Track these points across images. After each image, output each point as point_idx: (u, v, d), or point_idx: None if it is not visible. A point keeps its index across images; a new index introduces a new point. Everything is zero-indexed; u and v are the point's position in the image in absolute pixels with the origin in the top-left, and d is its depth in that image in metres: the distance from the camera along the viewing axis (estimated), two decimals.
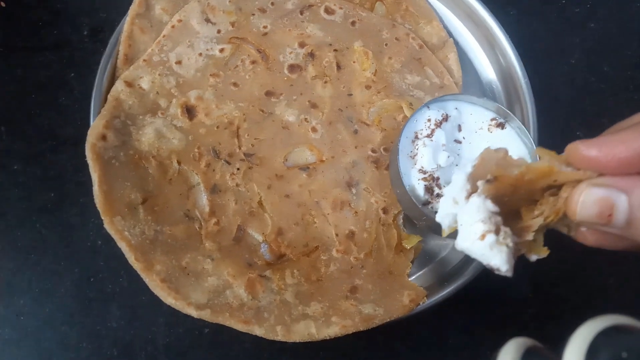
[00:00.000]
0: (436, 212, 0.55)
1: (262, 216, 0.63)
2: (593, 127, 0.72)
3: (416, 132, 0.60)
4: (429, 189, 0.58)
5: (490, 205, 0.38)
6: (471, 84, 0.74)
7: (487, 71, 0.74)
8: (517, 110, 0.69)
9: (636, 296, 0.67)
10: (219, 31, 0.69)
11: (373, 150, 0.67)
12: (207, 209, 0.62)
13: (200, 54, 0.68)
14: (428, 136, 0.60)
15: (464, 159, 0.60)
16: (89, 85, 0.65)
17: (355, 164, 0.66)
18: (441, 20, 0.75)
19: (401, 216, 0.65)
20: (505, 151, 0.39)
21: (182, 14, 0.69)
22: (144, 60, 0.66)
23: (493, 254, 0.37)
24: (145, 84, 0.65)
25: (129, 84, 0.65)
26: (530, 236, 0.39)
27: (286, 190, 0.64)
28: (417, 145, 0.60)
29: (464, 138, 0.61)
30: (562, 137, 0.70)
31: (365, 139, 0.67)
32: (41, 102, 0.70)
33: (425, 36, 0.74)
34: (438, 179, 0.58)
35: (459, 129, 0.62)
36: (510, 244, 0.37)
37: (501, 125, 0.62)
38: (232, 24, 0.70)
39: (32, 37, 0.73)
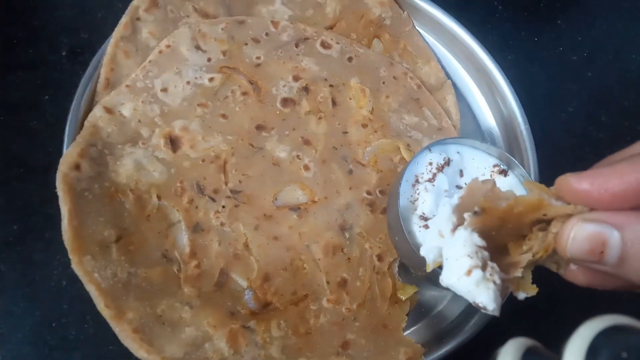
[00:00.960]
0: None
1: (247, 259, 0.58)
2: None
3: (417, 176, 0.57)
4: None
5: (477, 240, 0.36)
6: (469, 127, 0.71)
7: (486, 115, 0.72)
8: (517, 157, 0.67)
9: (636, 296, 0.65)
10: (209, 59, 0.65)
11: (368, 192, 0.63)
12: (187, 250, 0.57)
13: (188, 82, 0.64)
14: (429, 180, 0.56)
15: None
16: (64, 110, 0.60)
17: (349, 207, 0.62)
18: (439, 61, 0.73)
19: (396, 264, 0.60)
20: (493, 183, 0.37)
21: (171, 39, 0.65)
22: (127, 85, 0.62)
23: (479, 291, 0.36)
24: (126, 111, 0.61)
25: (109, 110, 0.60)
26: (518, 273, 0.37)
27: (275, 232, 0.59)
28: (418, 189, 0.56)
29: (465, 184, 0.58)
30: None
31: (360, 180, 0.63)
32: (10, 124, 0.64)
33: (423, 76, 0.72)
34: None
35: (461, 174, 0.58)
36: (498, 281, 0.36)
37: (504, 173, 0.59)
38: (224, 53, 0.66)
39: (5, 54, 0.68)
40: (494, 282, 0.36)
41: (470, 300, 0.37)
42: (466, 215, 0.37)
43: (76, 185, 0.55)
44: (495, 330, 0.60)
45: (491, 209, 0.36)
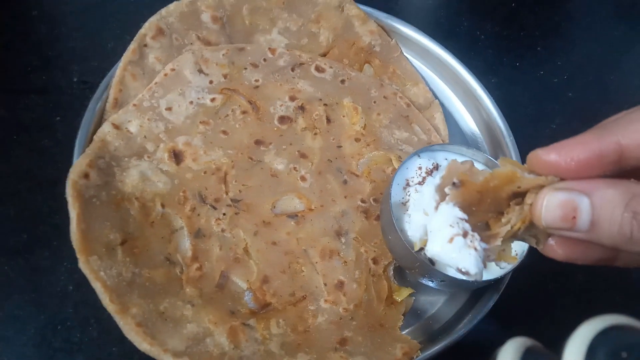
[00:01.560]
0: (430, 259, 0.55)
1: (247, 263, 0.60)
2: None
3: (407, 180, 0.60)
4: None
5: (458, 212, 0.39)
6: (457, 142, 0.75)
7: (473, 129, 0.76)
8: None
9: (636, 296, 0.66)
10: (211, 82, 0.70)
11: (362, 201, 0.65)
12: (189, 254, 0.59)
13: (191, 102, 0.68)
14: (419, 183, 0.59)
15: None
16: (74, 129, 0.64)
17: (344, 214, 0.64)
18: (427, 83, 0.77)
19: (391, 267, 0.62)
20: (471, 162, 0.40)
21: (176, 64, 0.69)
22: (134, 104, 0.66)
23: (462, 256, 0.38)
24: (133, 127, 0.65)
25: (117, 127, 0.64)
26: (498, 242, 0.39)
27: (273, 238, 0.62)
28: (408, 191, 0.59)
29: None
30: None
31: (354, 190, 0.66)
32: (23, 142, 0.68)
33: (412, 97, 0.76)
34: None
35: None
36: (479, 248, 0.38)
37: None
38: (225, 76, 0.71)
39: (20, 80, 0.72)
40: (475, 249, 0.38)
41: (454, 266, 0.39)
42: (447, 189, 0.39)
43: (84, 192, 0.57)
44: (495, 330, 0.62)
45: (469, 182, 0.38)
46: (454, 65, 0.76)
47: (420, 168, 0.60)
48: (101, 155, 0.61)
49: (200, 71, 0.70)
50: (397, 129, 0.72)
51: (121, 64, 0.68)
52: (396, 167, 0.68)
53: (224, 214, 0.62)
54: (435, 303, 0.64)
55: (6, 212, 0.64)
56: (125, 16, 0.80)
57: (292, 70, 0.73)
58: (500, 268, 0.41)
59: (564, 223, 0.36)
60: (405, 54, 0.78)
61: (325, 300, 0.59)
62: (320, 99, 0.72)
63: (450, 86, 0.78)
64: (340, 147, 0.69)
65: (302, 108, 0.70)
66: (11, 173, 0.66)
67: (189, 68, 0.70)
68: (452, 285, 0.60)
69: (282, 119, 0.70)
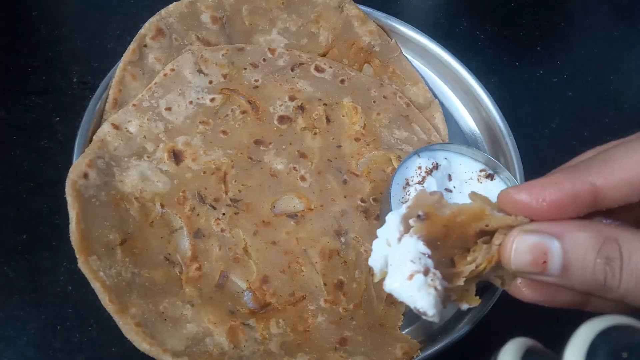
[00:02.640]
0: None
1: (246, 263, 0.60)
2: None
3: (407, 179, 0.60)
4: None
5: (422, 246, 0.36)
6: (456, 141, 0.75)
7: (472, 129, 0.76)
8: (502, 162, 0.70)
9: None
10: (210, 82, 0.70)
11: (362, 200, 0.65)
12: (189, 254, 0.59)
13: (191, 102, 0.68)
14: (419, 183, 0.59)
15: None
16: (74, 130, 0.64)
17: (344, 213, 0.64)
18: (427, 83, 0.77)
19: None
20: (440, 194, 0.38)
21: (175, 64, 0.69)
22: (134, 105, 0.66)
23: (420, 296, 0.36)
24: (132, 127, 0.65)
25: (116, 127, 0.64)
26: (460, 282, 0.37)
27: (273, 237, 0.62)
28: (408, 191, 0.59)
29: (454, 187, 0.61)
30: None
31: (354, 189, 0.66)
32: (22, 143, 0.68)
33: (412, 97, 0.76)
34: None
35: (449, 178, 0.62)
36: (439, 287, 0.36)
37: (490, 177, 0.62)
38: (224, 76, 0.71)
39: (20, 81, 0.72)
40: (435, 288, 0.36)
41: (411, 306, 0.37)
42: (411, 221, 0.37)
43: (84, 192, 0.58)
44: (495, 331, 0.61)
45: (435, 216, 0.37)
46: (453, 65, 0.76)
47: (420, 167, 0.60)
48: (101, 155, 0.61)
49: (200, 71, 0.70)
50: (396, 128, 0.72)
51: (121, 64, 0.68)
52: (396, 166, 0.68)
53: (224, 214, 0.62)
54: None
55: (6, 212, 0.64)
56: (125, 17, 0.80)
57: (292, 70, 0.73)
58: (462, 309, 0.40)
59: (534, 267, 0.35)
60: (405, 54, 0.78)
61: (325, 300, 0.59)
62: (320, 99, 0.72)
63: (450, 86, 0.78)
64: (340, 146, 0.69)
65: (301, 108, 0.71)
66: (11, 174, 0.66)
67: (189, 68, 0.70)
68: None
69: (282, 119, 0.70)
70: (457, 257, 0.38)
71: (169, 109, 0.67)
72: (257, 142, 0.67)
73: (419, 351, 0.56)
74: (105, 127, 0.63)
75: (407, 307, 0.61)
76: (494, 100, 0.73)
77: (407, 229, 0.37)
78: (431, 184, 0.59)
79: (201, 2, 0.73)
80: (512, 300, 0.64)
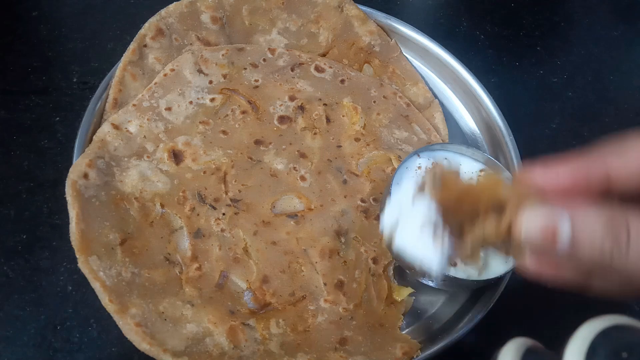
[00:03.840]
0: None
1: (246, 263, 0.60)
2: None
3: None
4: None
5: (433, 211, 0.39)
6: (456, 141, 0.75)
7: (473, 129, 0.76)
8: (502, 162, 0.70)
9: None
10: (210, 82, 0.70)
11: (362, 200, 0.65)
12: (189, 254, 0.59)
13: (191, 102, 0.68)
14: None
15: None
16: (74, 130, 0.64)
17: (344, 213, 0.64)
18: (427, 83, 0.77)
19: (391, 267, 0.62)
20: (458, 171, 0.40)
21: (175, 64, 0.69)
22: (134, 105, 0.66)
23: (427, 253, 0.39)
24: (132, 127, 0.65)
25: (116, 127, 0.64)
26: (467, 248, 0.39)
27: (273, 237, 0.62)
28: None
29: None
30: None
31: (354, 189, 0.66)
32: (22, 143, 0.68)
33: (412, 97, 0.76)
34: None
35: None
36: (446, 250, 0.38)
37: None
38: (224, 76, 0.71)
39: (20, 81, 0.72)
40: (442, 250, 0.38)
41: (417, 265, 0.40)
42: (427, 188, 0.39)
43: (84, 191, 0.58)
44: (495, 330, 0.62)
45: (450, 185, 0.39)
46: (453, 65, 0.76)
47: (419, 167, 0.60)
48: (101, 155, 0.61)
49: (200, 71, 0.70)
50: (397, 128, 0.72)
51: (121, 64, 0.68)
52: (396, 166, 0.68)
53: (224, 214, 0.62)
54: (435, 303, 0.64)
55: (6, 212, 0.64)
56: (125, 17, 0.80)
57: (292, 70, 0.73)
58: (466, 275, 0.41)
59: (544, 241, 0.36)
60: (405, 53, 0.78)
61: (325, 300, 0.59)
62: (320, 99, 0.72)
63: (450, 86, 0.78)
64: (340, 146, 0.69)
65: (301, 108, 0.70)
66: (11, 174, 0.66)
67: (189, 68, 0.70)
68: (452, 284, 0.60)
69: (282, 119, 0.70)
70: (467, 224, 0.39)
71: (169, 109, 0.67)
72: (257, 142, 0.67)
73: (419, 351, 0.56)
74: (105, 127, 0.63)
75: (407, 309, 0.61)
76: (494, 100, 0.73)
77: (422, 194, 0.40)
78: None
79: (201, 2, 0.73)
80: (512, 300, 0.64)
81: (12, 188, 0.65)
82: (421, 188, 0.40)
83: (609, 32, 0.90)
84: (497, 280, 0.56)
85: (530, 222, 0.36)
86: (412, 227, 0.39)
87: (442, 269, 0.39)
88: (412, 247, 0.39)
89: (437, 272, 0.39)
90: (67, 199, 0.56)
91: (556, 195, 0.36)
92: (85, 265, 0.53)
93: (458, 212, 0.39)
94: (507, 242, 0.39)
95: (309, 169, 0.67)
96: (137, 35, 0.69)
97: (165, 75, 0.69)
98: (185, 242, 0.60)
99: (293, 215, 0.63)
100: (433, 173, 0.39)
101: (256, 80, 0.71)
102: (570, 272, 0.38)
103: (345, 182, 0.67)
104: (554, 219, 0.35)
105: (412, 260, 0.39)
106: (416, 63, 0.79)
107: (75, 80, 0.74)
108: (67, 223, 0.56)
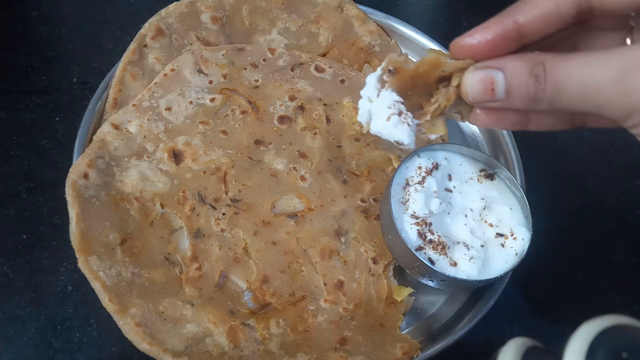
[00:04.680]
0: (430, 259, 0.55)
1: (246, 263, 0.60)
2: (579, 187, 0.75)
3: (407, 179, 0.60)
4: (421, 234, 0.56)
5: (395, 96, 0.45)
6: (457, 140, 0.75)
7: (472, 129, 0.76)
8: (502, 162, 0.70)
9: (636, 296, 0.66)
10: (210, 82, 0.70)
11: (362, 200, 0.65)
12: (189, 254, 0.59)
13: (191, 102, 0.68)
14: (419, 183, 0.59)
15: (455, 208, 0.59)
16: (74, 130, 0.64)
17: (344, 213, 0.64)
18: None
19: (391, 267, 0.62)
20: (406, 55, 0.46)
21: (175, 64, 0.69)
22: (134, 105, 0.66)
23: (397, 131, 0.46)
24: (132, 127, 0.65)
25: (116, 127, 0.64)
26: (427, 117, 0.47)
27: (273, 237, 0.62)
28: (408, 191, 0.59)
29: (454, 187, 0.61)
30: (552, 196, 0.72)
31: (354, 189, 0.66)
32: (22, 143, 0.68)
33: None
34: (430, 224, 0.57)
35: (450, 178, 0.61)
36: (411, 123, 0.46)
37: (490, 177, 0.62)
38: (224, 76, 0.71)
39: (20, 81, 0.72)
40: (408, 124, 0.46)
41: (392, 140, 0.47)
42: (385, 77, 0.45)
43: (84, 192, 0.58)
44: (495, 330, 0.62)
45: (402, 70, 0.45)
46: None
47: (420, 167, 0.60)
48: (101, 155, 0.61)
49: (200, 71, 0.70)
50: None
51: (121, 64, 0.68)
52: (396, 166, 0.68)
53: (224, 214, 0.62)
54: (435, 303, 0.64)
55: (6, 212, 0.64)
56: (125, 17, 0.80)
57: (292, 70, 0.73)
58: (431, 139, 0.50)
59: (485, 95, 0.42)
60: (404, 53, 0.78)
61: (325, 300, 0.59)
62: (320, 99, 0.72)
63: None
64: (340, 146, 0.69)
65: (301, 108, 0.71)
66: (11, 174, 0.66)
67: (189, 68, 0.70)
68: (452, 284, 0.60)
69: (282, 119, 0.70)
70: (424, 102, 0.47)
71: (169, 109, 0.67)
72: (257, 142, 0.68)
73: (419, 351, 0.56)
74: (105, 127, 0.64)
75: (407, 309, 0.62)
76: None
77: (383, 85, 0.46)
78: (431, 184, 0.59)
79: (201, 2, 0.73)
80: (512, 300, 0.64)
81: (12, 188, 0.65)
82: (381, 80, 0.46)
83: None
84: (497, 280, 0.56)
85: (472, 81, 0.42)
86: (381, 114, 0.46)
87: (412, 141, 0.46)
88: (385, 130, 0.46)
89: (409, 144, 0.46)
90: (67, 199, 0.56)
91: (484, 55, 0.42)
92: (85, 265, 0.53)
93: (415, 91, 0.46)
94: (460, 105, 0.46)
95: (309, 169, 0.67)
96: (137, 35, 0.69)
97: (165, 75, 0.69)
98: (185, 242, 0.60)
99: (293, 215, 0.63)
100: (387, 63, 0.45)
101: (256, 80, 0.72)
102: (511, 116, 0.45)
103: (345, 182, 0.67)
104: (489, 73, 0.41)
105: (387, 139, 0.47)
106: None
107: (75, 80, 0.74)
108: (67, 223, 0.56)
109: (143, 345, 0.50)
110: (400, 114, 0.46)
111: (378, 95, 0.47)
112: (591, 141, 0.79)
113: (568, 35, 0.45)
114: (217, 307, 0.56)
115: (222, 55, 0.72)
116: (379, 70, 0.46)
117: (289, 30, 0.77)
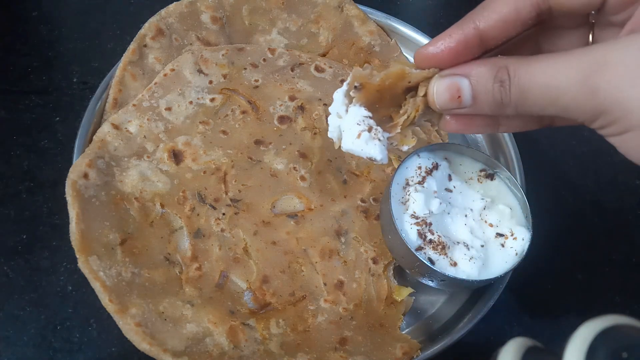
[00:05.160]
0: (430, 259, 0.55)
1: (246, 263, 0.60)
2: (579, 187, 0.75)
3: (407, 179, 0.60)
4: (421, 234, 0.56)
5: (363, 111, 0.45)
6: (457, 141, 0.74)
7: None
8: (502, 162, 0.70)
9: (636, 296, 0.67)
10: (210, 82, 0.70)
11: (362, 200, 0.65)
12: (189, 254, 0.59)
13: (191, 102, 0.68)
14: (419, 183, 0.59)
15: (455, 208, 0.59)
16: (74, 130, 0.64)
17: (344, 213, 0.64)
18: None
19: (391, 267, 0.62)
20: (372, 68, 0.45)
21: (175, 64, 0.69)
22: (134, 105, 0.66)
23: (369, 147, 0.45)
24: (132, 127, 0.65)
25: (116, 127, 0.64)
26: (397, 130, 0.46)
27: (273, 237, 0.62)
28: (408, 191, 0.59)
29: (454, 187, 0.61)
30: (552, 196, 0.72)
31: (354, 189, 0.66)
32: (22, 143, 0.68)
33: None
34: (430, 224, 0.57)
35: (450, 178, 0.61)
36: (382, 138, 0.46)
37: (491, 177, 0.62)
38: (224, 76, 0.71)
39: (20, 81, 0.73)
40: (379, 139, 0.46)
41: (364, 156, 0.46)
42: (351, 92, 0.45)
43: (84, 192, 0.58)
44: (495, 330, 0.62)
45: (368, 84, 0.44)
46: None
47: (419, 167, 0.60)
48: (101, 155, 0.61)
49: (200, 71, 0.70)
50: None
51: (121, 64, 0.68)
52: (396, 166, 0.68)
53: (224, 214, 0.62)
54: (435, 303, 0.64)
55: (6, 212, 0.64)
56: (125, 17, 0.80)
57: (292, 70, 0.73)
58: (403, 150, 0.49)
59: (452, 103, 0.42)
60: (404, 54, 0.78)
61: (325, 300, 0.59)
62: (320, 99, 0.72)
63: None
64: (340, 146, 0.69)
65: (301, 108, 0.71)
66: (11, 174, 0.66)
67: (189, 68, 0.70)
68: (452, 285, 0.60)
69: (282, 119, 0.70)
70: (394, 114, 0.47)
71: (169, 109, 0.67)
72: (257, 142, 0.68)
73: (419, 351, 0.56)
74: (105, 127, 0.63)
75: (407, 309, 0.62)
76: None
77: (350, 100, 0.46)
78: (431, 184, 0.59)
79: (201, 2, 0.73)
80: (512, 300, 0.64)
81: (12, 188, 0.65)
82: (348, 95, 0.45)
83: None
84: (497, 280, 0.56)
85: (438, 89, 0.42)
86: (351, 131, 0.45)
87: (385, 156, 0.46)
88: (356, 147, 0.46)
89: (382, 159, 0.46)
90: (67, 199, 0.56)
91: (448, 63, 0.42)
92: (85, 265, 0.53)
93: (383, 104, 0.46)
94: (429, 114, 0.46)
95: (309, 168, 0.67)
96: (137, 35, 0.69)
97: (165, 75, 0.69)
98: (185, 242, 0.60)
99: (293, 215, 0.63)
100: (352, 79, 0.44)
101: (256, 80, 0.72)
102: (480, 121, 0.46)
103: (345, 182, 0.67)
104: (455, 80, 0.41)
105: (360, 156, 0.46)
106: None
107: (75, 80, 0.74)
108: (67, 223, 0.56)
109: (143, 345, 0.50)
110: (370, 129, 0.45)
111: (346, 110, 0.46)
112: (591, 141, 0.79)
113: (530, 36, 0.45)
114: (217, 307, 0.56)
115: (222, 55, 0.72)
116: (345, 86, 0.46)
117: (289, 30, 0.77)
